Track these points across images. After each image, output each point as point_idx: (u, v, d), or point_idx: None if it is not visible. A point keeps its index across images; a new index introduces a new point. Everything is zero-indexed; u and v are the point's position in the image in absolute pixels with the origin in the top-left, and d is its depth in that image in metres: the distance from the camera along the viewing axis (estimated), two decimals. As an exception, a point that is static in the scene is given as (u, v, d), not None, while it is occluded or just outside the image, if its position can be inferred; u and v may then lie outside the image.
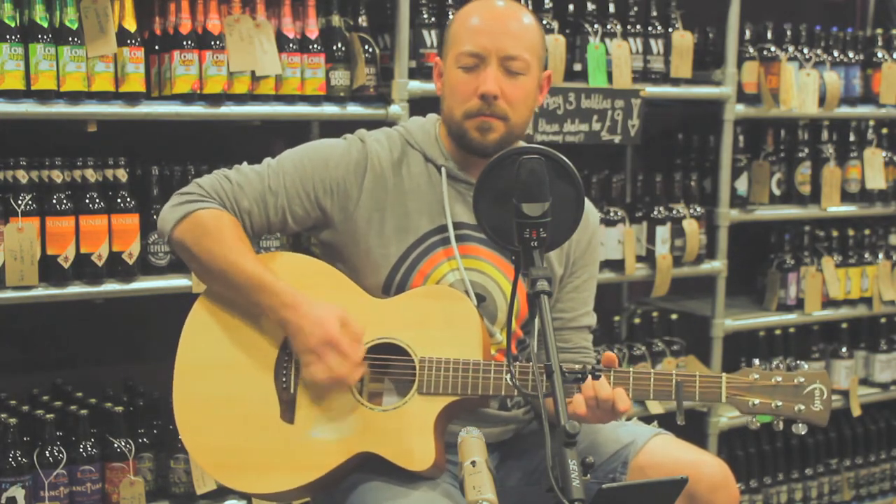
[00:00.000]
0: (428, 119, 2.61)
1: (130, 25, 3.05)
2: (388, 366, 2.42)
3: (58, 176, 3.01)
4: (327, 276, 2.48)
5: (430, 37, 3.48)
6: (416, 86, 3.44)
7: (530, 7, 3.71)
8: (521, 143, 2.51)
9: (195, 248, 2.42)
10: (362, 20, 3.43)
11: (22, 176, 2.97)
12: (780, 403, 2.34)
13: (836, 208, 4.50)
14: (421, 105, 3.30)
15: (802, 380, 2.35)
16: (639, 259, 4.04)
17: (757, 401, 2.35)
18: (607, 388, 2.28)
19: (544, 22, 3.71)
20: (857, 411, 4.57)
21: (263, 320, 2.42)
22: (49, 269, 3.00)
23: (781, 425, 2.37)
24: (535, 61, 2.48)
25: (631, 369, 2.36)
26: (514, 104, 2.45)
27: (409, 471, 2.36)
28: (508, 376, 2.34)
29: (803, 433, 2.35)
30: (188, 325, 2.46)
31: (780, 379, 2.35)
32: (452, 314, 2.41)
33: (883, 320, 4.70)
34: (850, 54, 4.49)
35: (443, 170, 2.52)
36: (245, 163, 2.53)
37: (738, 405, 2.36)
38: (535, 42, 2.49)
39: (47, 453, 2.99)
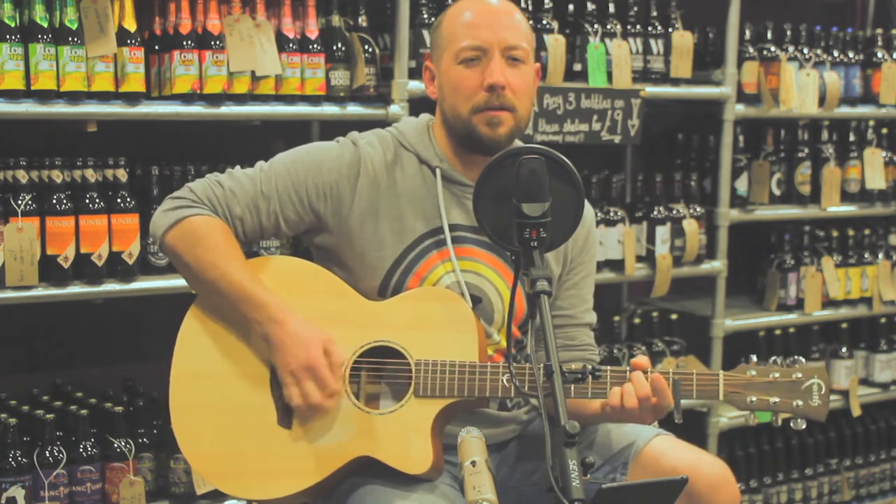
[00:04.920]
0: (420, 119, 2.59)
1: (130, 25, 3.05)
2: (385, 369, 2.41)
3: (58, 176, 3.01)
4: (322, 280, 2.47)
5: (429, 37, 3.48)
6: (416, 86, 3.43)
7: (530, 7, 3.72)
8: (519, 143, 2.51)
9: (186, 256, 2.41)
10: (362, 20, 3.43)
11: (22, 176, 2.97)
12: (777, 400, 2.34)
13: (836, 208, 4.50)
14: (421, 105, 3.29)
15: (800, 375, 2.35)
16: (639, 259, 4.04)
17: (754, 398, 2.35)
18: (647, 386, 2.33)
19: (544, 22, 3.71)
20: (857, 411, 4.57)
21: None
22: (49, 269, 3.00)
23: (780, 421, 2.37)
24: (531, 51, 2.51)
25: (628, 368, 2.36)
26: (519, 94, 2.45)
27: (406, 474, 2.35)
28: (505, 378, 2.34)
29: (802, 428, 2.35)
30: (182, 332, 2.45)
31: (777, 375, 2.35)
32: (448, 316, 2.40)
33: (883, 320, 4.69)
34: (850, 54, 4.49)
35: (437, 171, 2.51)
36: (238, 166, 2.53)
37: (736, 402, 2.36)
38: (528, 32, 2.52)
39: (47, 453, 2.98)
